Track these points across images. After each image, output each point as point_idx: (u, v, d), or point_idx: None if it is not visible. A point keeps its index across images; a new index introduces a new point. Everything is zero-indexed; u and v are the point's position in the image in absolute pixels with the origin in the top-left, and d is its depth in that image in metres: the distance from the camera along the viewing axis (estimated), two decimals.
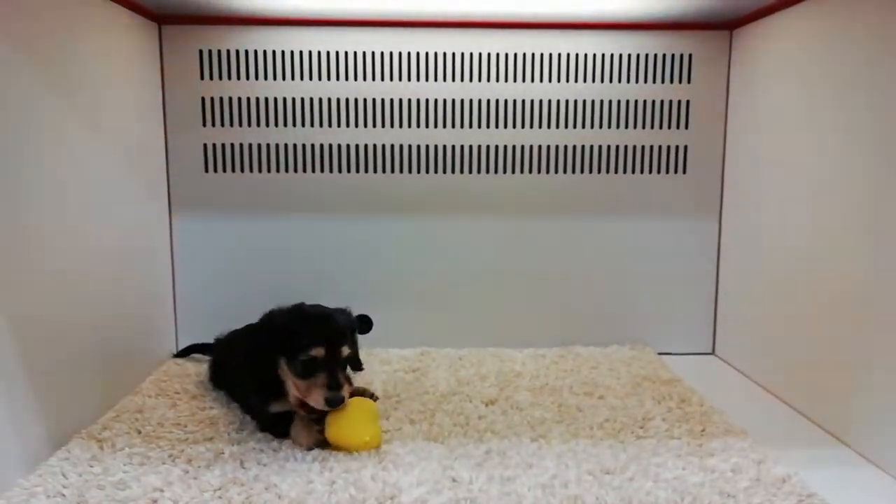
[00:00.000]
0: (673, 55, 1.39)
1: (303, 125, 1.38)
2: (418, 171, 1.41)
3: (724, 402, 1.13)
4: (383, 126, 1.39)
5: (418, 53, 1.37)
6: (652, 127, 1.41)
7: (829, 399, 1.06)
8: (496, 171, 1.42)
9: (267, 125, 1.38)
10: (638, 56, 1.39)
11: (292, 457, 0.92)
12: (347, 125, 1.38)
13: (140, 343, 1.26)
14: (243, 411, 1.07)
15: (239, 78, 1.36)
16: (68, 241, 1.01)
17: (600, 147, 1.42)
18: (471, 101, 1.39)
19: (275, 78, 1.36)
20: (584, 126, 1.41)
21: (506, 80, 1.39)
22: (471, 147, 1.41)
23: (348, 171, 1.40)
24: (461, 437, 0.99)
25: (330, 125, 1.38)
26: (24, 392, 0.89)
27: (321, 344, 0.93)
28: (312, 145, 1.39)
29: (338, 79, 1.37)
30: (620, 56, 1.39)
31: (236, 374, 1.06)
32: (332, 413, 0.94)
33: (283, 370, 0.96)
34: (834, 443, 1.03)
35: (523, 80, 1.39)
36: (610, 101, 1.40)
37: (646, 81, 1.40)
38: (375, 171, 1.40)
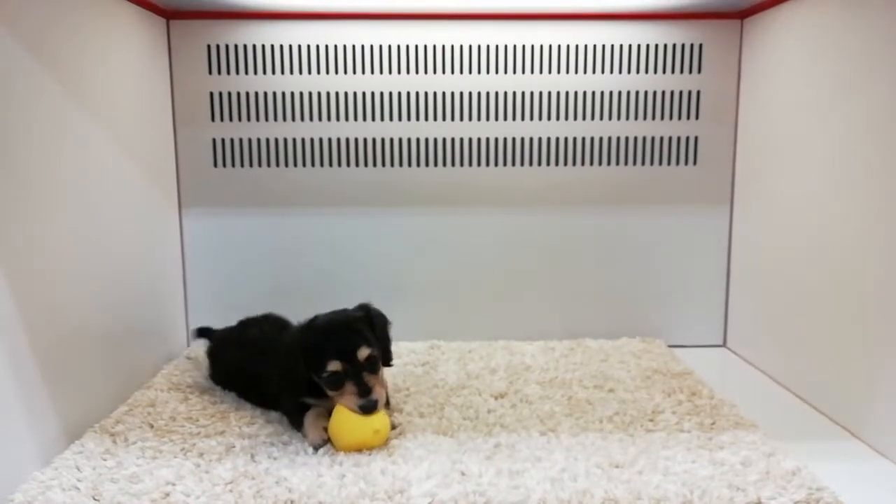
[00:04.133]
0: (683, 45, 1.38)
1: (311, 119, 1.38)
2: (427, 165, 1.41)
3: (735, 395, 1.12)
4: (391, 120, 1.39)
5: (426, 46, 1.37)
6: (662, 118, 1.40)
7: (841, 392, 1.06)
8: (506, 164, 1.41)
9: (276, 119, 1.38)
10: (648, 46, 1.38)
11: (303, 450, 0.93)
12: (356, 119, 1.38)
13: (151, 337, 1.27)
14: (265, 406, 1.09)
15: (247, 73, 1.36)
16: (78, 236, 1.02)
17: (610, 138, 1.41)
18: (479, 93, 1.39)
19: (283, 72, 1.36)
20: (593, 117, 1.40)
21: (514, 72, 1.38)
22: (479, 140, 1.40)
23: (357, 165, 1.40)
24: (470, 431, 0.99)
25: (338, 119, 1.38)
26: (39, 386, 0.90)
27: (335, 357, 0.93)
28: (321, 139, 1.39)
29: (345, 73, 1.37)
30: (630, 46, 1.38)
31: (264, 378, 1.06)
32: (333, 421, 0.94)
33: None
34: (845, 435, 1.02)
35: (532, 71, 1.38)
36: (620, 92, 1.39)
37: (656, 72, 1.39)
38: (384, 164, 1.40)
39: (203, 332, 1.30)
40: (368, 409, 0.93)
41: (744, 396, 1.13)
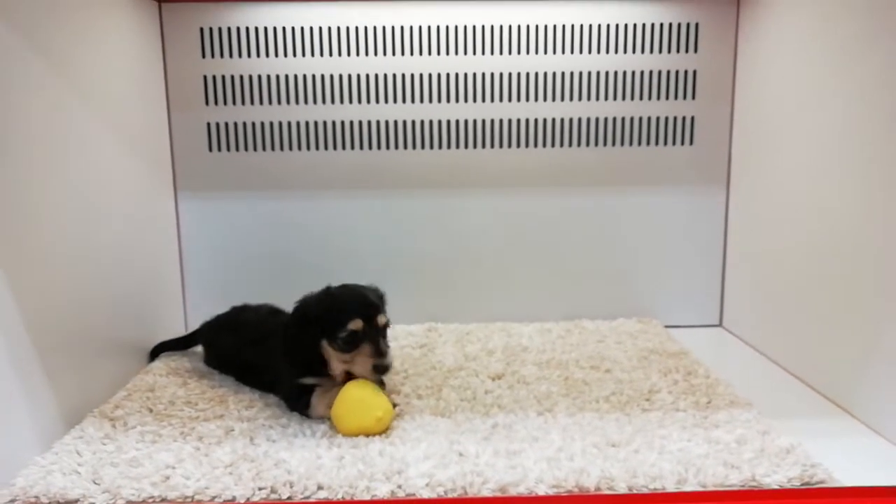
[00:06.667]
0: (680, 24, 1.37)
1: (306, 102, 1.37)
2: (423, 147, 1.40)
3: (731, 374, 1.13)
4: (386, 102, 1.38)
5: (421, 28, 1.35)
6: (658, 98, 1.40)
7: (835, 369, 1.06)
8: (501, 146, 1.41)
9: (270, 103, 1.37)
10: (644, 25, 1.37)
11: (301, 433, 0.93)
12: (351, 101, 1.38)
13: (150, 322, 1.27)
14: (264, 390, 1.08)
15: (241, 56, 1.35)
16: (75, 222, 1.01)
17: (606, 119, 1.40)
18: (472, 74, 1.38)
19: (276, 55, 1.35)
20: (589, 98, 1.39)
21: (507, 53, 1.37)
22: (474, 121, 1.40)
23: (352, 147, 1.40)
24: (468, 412, 1.00)
25: (333, 102, 1.38)
26: (39, 372, 0.90)
27: (357, 316, 0.95)
28: (316, 122, 1.38)
29: (339, 55, 1.36)
30: (626, 26, 1.37)
31: (264, 356, 1.07)
32: (338, 402, 0.94)
33: (327, 351, 0.98)
34: (839, 413, 1.03)
35: (525, 52, 1.37)
36: (616, 72, 1.38)
37: (652, 51, 1.38)
38: (380, 147, 1.40)
39: (157, 352, 1.26)
40: (383, 369, 0.96)
41: (739, 375, 1.13)
